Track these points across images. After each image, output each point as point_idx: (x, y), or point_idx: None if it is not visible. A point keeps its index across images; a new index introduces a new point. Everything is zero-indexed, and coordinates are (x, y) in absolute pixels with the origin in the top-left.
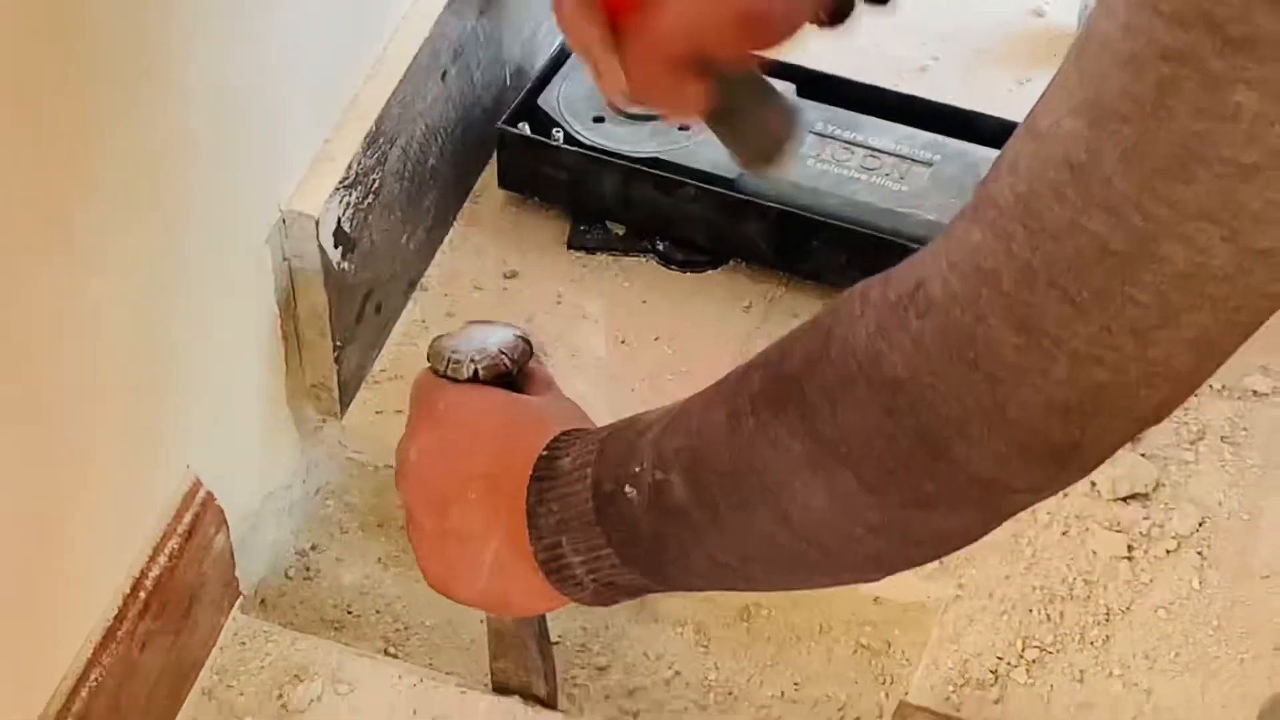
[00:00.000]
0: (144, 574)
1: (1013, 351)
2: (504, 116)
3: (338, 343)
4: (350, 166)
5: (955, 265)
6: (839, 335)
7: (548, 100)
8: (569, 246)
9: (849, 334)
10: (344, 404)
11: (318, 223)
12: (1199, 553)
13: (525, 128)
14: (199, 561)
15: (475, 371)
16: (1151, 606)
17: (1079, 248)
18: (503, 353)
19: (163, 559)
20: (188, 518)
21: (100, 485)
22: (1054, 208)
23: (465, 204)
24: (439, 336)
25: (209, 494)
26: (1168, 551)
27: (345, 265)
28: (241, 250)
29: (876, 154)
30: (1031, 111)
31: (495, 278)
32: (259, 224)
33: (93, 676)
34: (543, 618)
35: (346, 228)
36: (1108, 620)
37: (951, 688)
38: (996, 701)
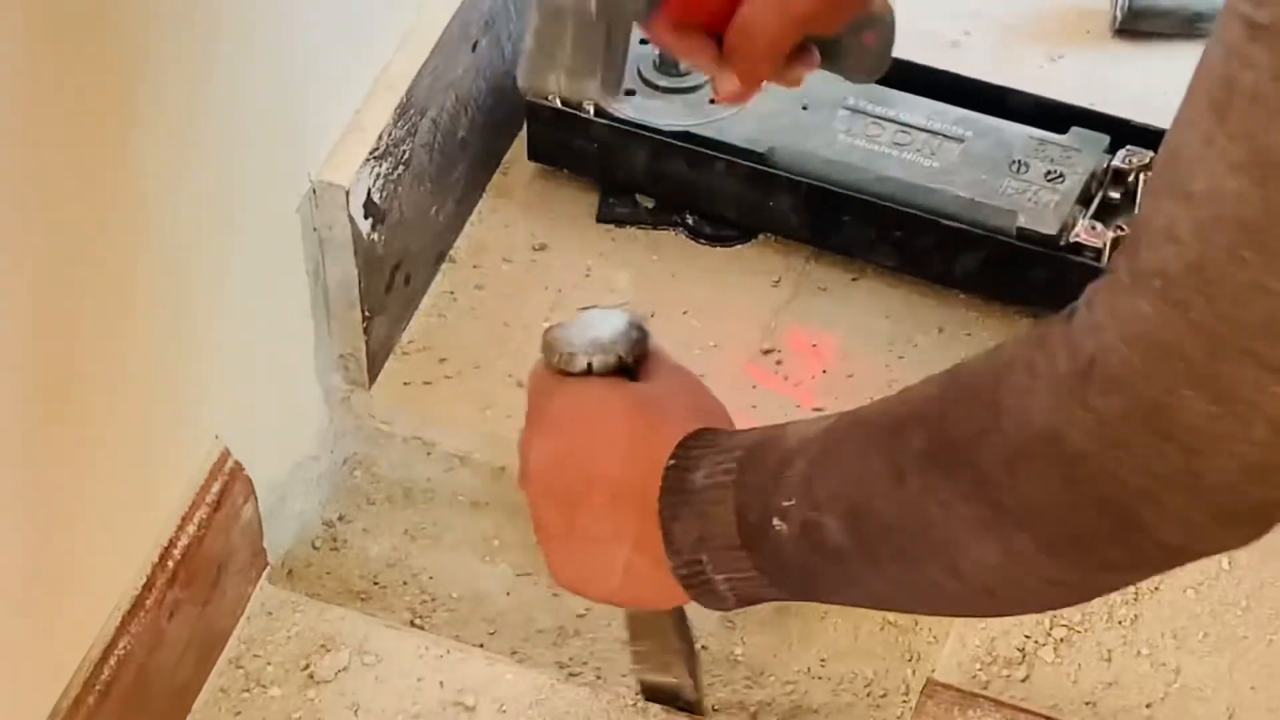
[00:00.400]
0: (172, 543)
1: (1207, 420)
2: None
3: (367, 313)
4: (381, 137)
5: (1130, 340)
6: (1010, 407)
7: None
8: (598, 219)
9: (1021, 407)
10: (372, 375)
11: (348, 193)
12: None
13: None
14: (227, 531)
15: (589, 365)
16: (1180, 586)
17: (1268, 310)
18: (615, 343)
19: (191, 529)
20: (216, 488)
21: (129, 455)
22: (1233, 272)
23: (494, 176)
24: (551, 327)
25: (237, 464)
26: None
27: (375, 236)
28: (271, 220)
29: (908, 129)
30: (1167, 173)
31: (524, 250)
32: (289, 194)
33: (121, 645)
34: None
35: (376, 199)
36: (1136, 599)
37: (979, 665)
38: (1024, 680)
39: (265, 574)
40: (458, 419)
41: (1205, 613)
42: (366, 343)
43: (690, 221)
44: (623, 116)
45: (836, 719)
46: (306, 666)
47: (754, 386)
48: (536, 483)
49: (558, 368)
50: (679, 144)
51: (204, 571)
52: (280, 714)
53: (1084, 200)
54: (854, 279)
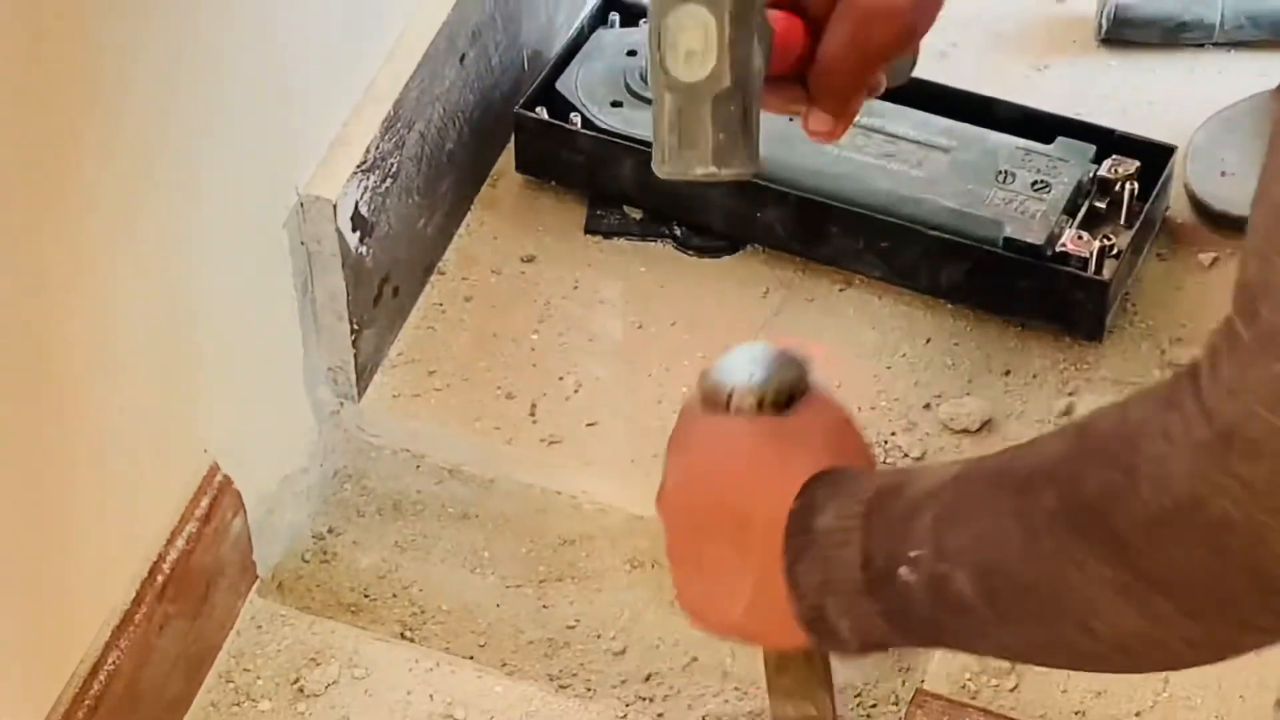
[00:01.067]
0: (161, 558)
1: None
2: (521, 100)
3: (355, 326)
4: (368, 150)
5: (1271, 405)
6: (1148, 474)
7: (565, 84)
8: (586, 231)
9: (1160, 473)
10: (361, 388)
11: (335, 206)
12: None
13: (543, 112)
14: (216, 545)
15: (729, 399)
16: None
17: None
18: (767, 381)
19: (180, 542)
20: (205, 502)
21: (117, 469)
22: None
23: (483, 188)
24: (708, 370)
25: (226, 477)
26: None
27: (363, 249)
28: (259, 234)
29: (894, 139)
30: (1276, 229)
31: (513, 262)
32: (277, 208)
33: (110, 660)
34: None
35: (364, 211)
36: None
37: (968, 675)
38: (1013, 689)
39: (255, 587)
40: (447, 431)
41: None
42: (355, 355)
43: (678, 233)
44: (609, 128)
45: None
46: (296, 680)
47: None
48: (665, 508)
49: (709, 401)
50: None
51: (193, 585)
52: None
53: (1070, 210)
54: (841, 289)
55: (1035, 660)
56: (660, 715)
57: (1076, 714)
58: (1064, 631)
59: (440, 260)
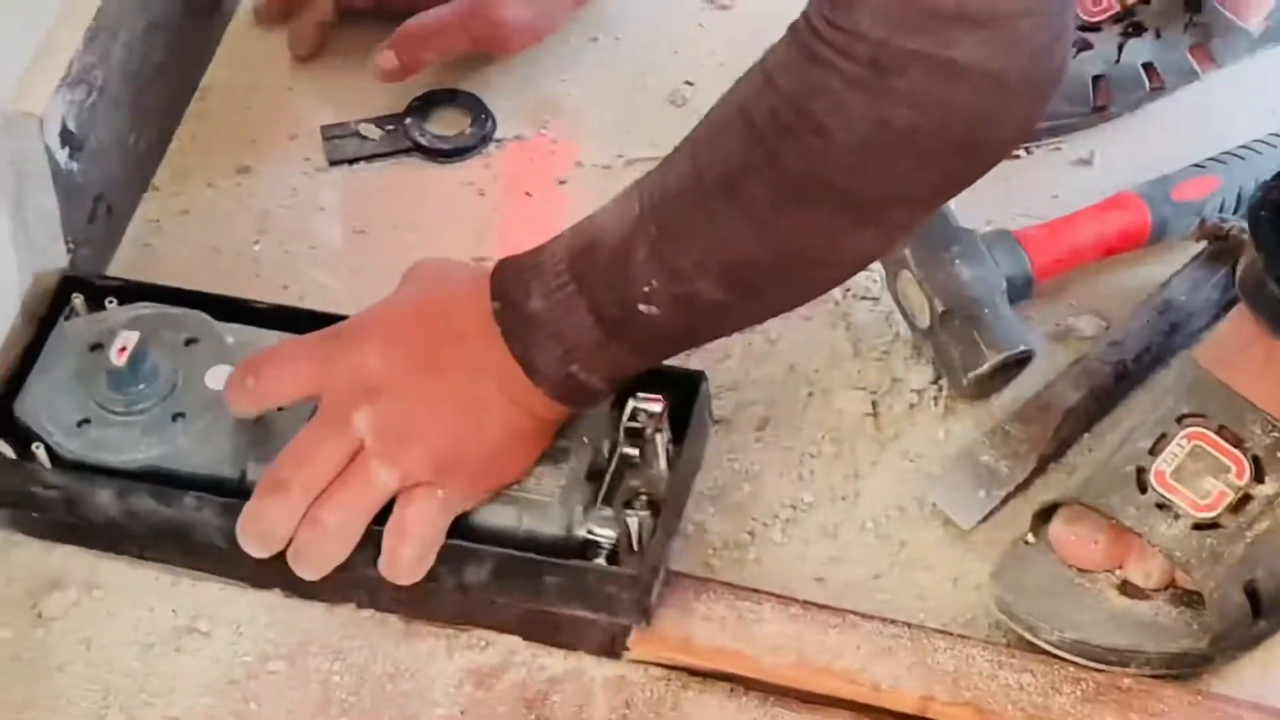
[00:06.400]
0: None
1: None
2: None
3: (71, 245)
4: (72, 63)
5: (893, 28)
6: (833, 124)
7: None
8: (330, 163)
9: (842, 119)
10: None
11: (42, 122)
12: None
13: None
14: None
15: None
16: (899, 458)
17: None
18: None
19: None
20: None
21: None
22: None
23: (192, 102)
24: None
25: None
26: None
27: (73, 165)
28: None
29: None
30: None
31: (228, 174)
32: None
33: None
34: None
35: (72, 126)
36: (857, 478)
37: (710, 551)
38: (754, 560)
39: None
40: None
41: (922, 486)
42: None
43: (423, 141)
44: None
45: None
46: (34, 605)
47: None
48: (391, 374)
49: None
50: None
51: None
52: (9, 656)
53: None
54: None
55: (785, 310)
56: None
57: (818, 580)
58: (815, 277)
59: (154, 176)
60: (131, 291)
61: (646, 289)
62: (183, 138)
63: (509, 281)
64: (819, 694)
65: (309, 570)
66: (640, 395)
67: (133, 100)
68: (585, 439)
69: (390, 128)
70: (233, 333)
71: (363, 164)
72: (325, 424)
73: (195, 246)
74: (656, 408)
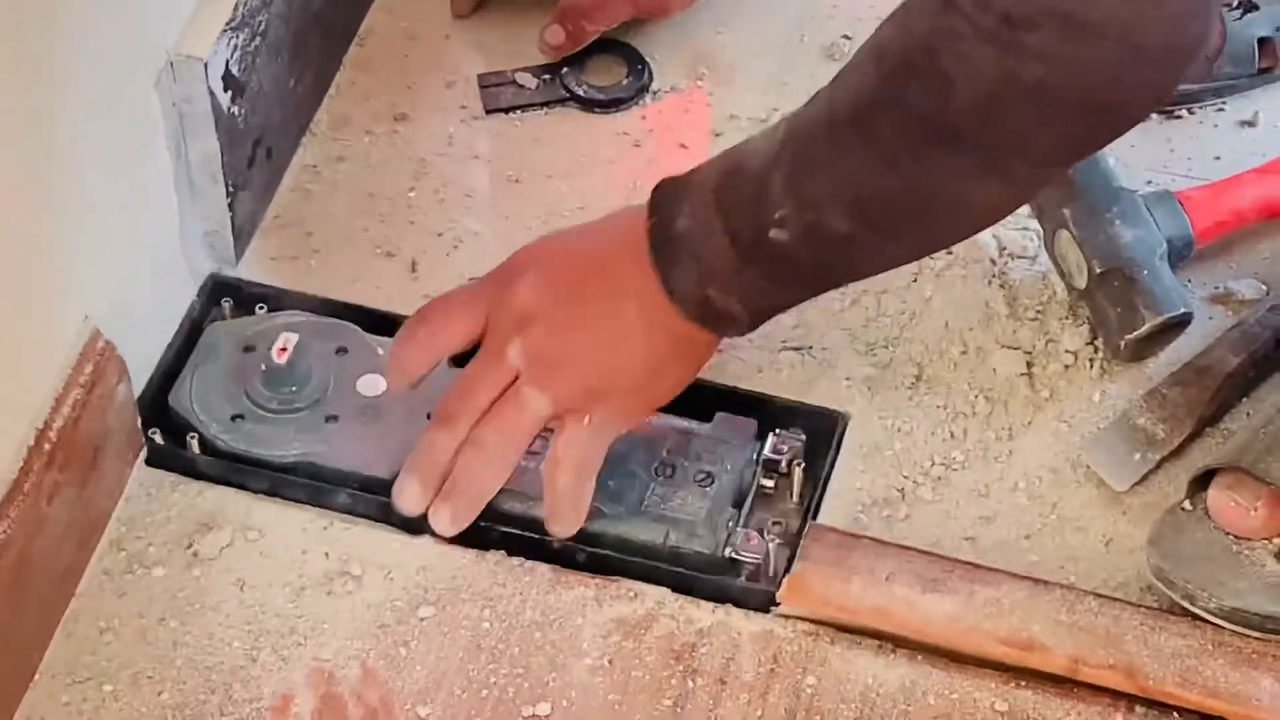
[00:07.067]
0: (48, 425)
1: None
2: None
3: (231, 189)
4: (236, 8)
5: None
6: (958, 71)
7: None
8: (487, 111)
9: (967, 67)
10: (239, 252)
11: (206, 66)
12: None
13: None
14: (103, 413)
15: None
16: (1053, 419)
17: None
18: None
19: (66, 410)
20: (89, 369)
21: None
22: None
23: (351, 47)
24: None
25: (109, 344)
26: (1065, 367)
27: (235, 109)
28: (129, 96)
29: (543, 432)
30: None
31: (385, 120)
32: (146, 68)
33: (0, 530)
34: None
35: (235, 71)
36: (1011, 437)
37: (860, 508)
38: (904, 518)
39: (142, 455)
40: (327, 293)
41: (1077, 447)
42: (232, 219)
43: (581, 91)
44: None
45: None
46: (190, 545)
47: None
48: (529, 302)
49: None
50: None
51: (81, 453)
52: (165, 594)
53: (738, 503)
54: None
55: (914, 259)
56: None
57: (968, 539)
58: (944, 222)
59: (312, 122)
60: (279, 299)
61: (778, 214)
62: (341, 83)
63: (665, 199)
64: (968, 653)
65: (463, 502)
66: (780, 431)
67: (293, 45)
68: (729, 466)
69: (547, 77)
70: (383, 345)
71: (519, 113)
72: (485, 358)
73: (352, 192)
74: (795, 443)
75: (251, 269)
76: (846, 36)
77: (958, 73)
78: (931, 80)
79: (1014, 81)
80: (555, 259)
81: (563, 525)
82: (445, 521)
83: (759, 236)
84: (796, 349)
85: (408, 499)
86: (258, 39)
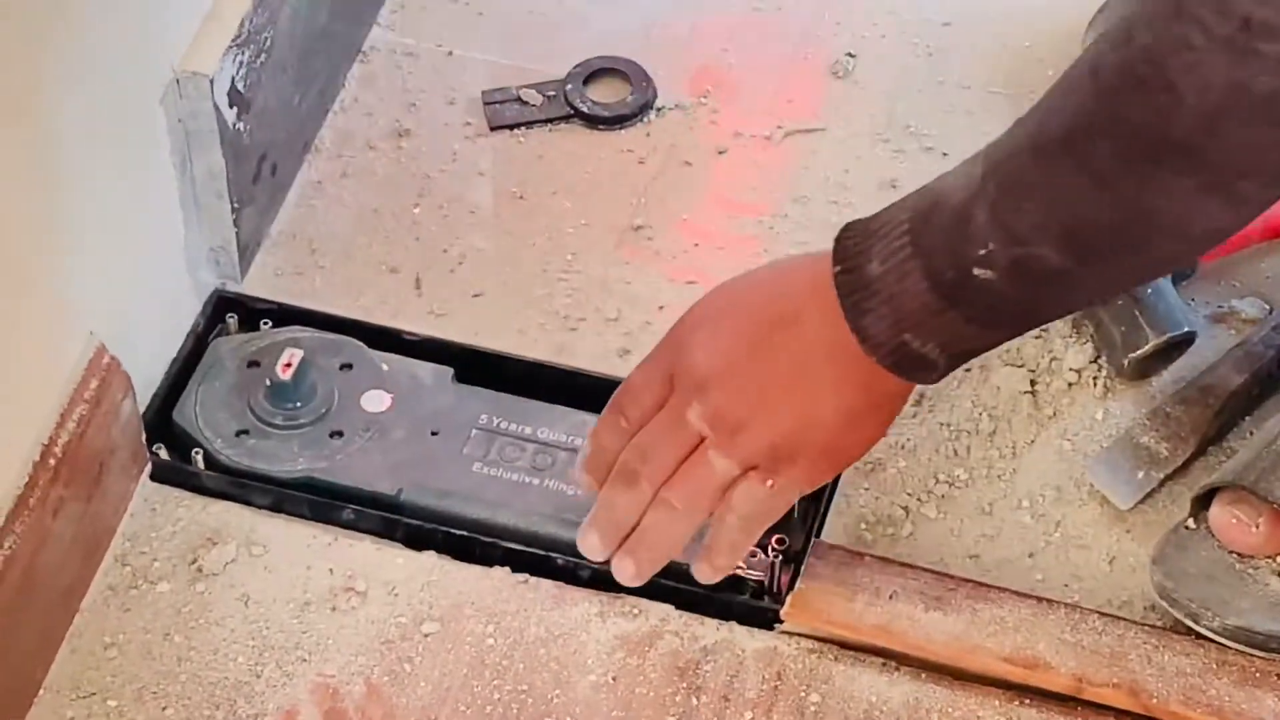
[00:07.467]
0: (53, 441)
1: None
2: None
3: (235, 204)
4: (242, 24)
5: None
6: (1188, 83)
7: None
8: (492, 128)
9: (1198, 78)
10: (244, 267)
11: (212, 82)
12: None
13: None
14: (107, 427)
15: None
16: (1055, 438)
17: None
18: None
19: (71, 425)
20: (94, 384)
21: (2, 354)
22: None
23: (354, 64)
24: None
25: (114, 359)
26: (1069, 385)
27: (240, 125)
28: (135, 112)
29: (548, 449)
30: None
31: (389, 137)
32: (152, 85)
33: (6, 544)
34: None
35: (241, 87)
36: (1015, 455)
37: (863, 526)
38: (908, 536)
39: (146, 470)
40: (331, 309)
41: (1080, 465)
42: (237, 235)
43: (584, 109)
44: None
45: None
46: (194, 561)
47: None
48: (708, 361)
49: None
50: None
51: (86, 468)
52: (170, 609)
53: None
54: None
55: (1124, 289)
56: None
57: (971, 557)
58: (1161, 247)
59: (316, 138)
60: (284, 315)
61: (983, 251)
62: (345, 100)
63: (851, 244)
64: (971, 671)
65: (648, 557)
66: None
67: (298, 62)
68: None
69: (551, 94)
70: (387, 361)
71: (523, 129)
72: (666, 419)
73: (356, 208)
74: None
75: (256, 285)
76: (850, 54)
77: (1186, 84)
78: (1157, 93)
79: (1246, 92)
80: (728, 315)
81: (713, 571)
82: (629, 574)
83: (961, 277)
84: None
85: (589, 550)
86: (263, 56)
